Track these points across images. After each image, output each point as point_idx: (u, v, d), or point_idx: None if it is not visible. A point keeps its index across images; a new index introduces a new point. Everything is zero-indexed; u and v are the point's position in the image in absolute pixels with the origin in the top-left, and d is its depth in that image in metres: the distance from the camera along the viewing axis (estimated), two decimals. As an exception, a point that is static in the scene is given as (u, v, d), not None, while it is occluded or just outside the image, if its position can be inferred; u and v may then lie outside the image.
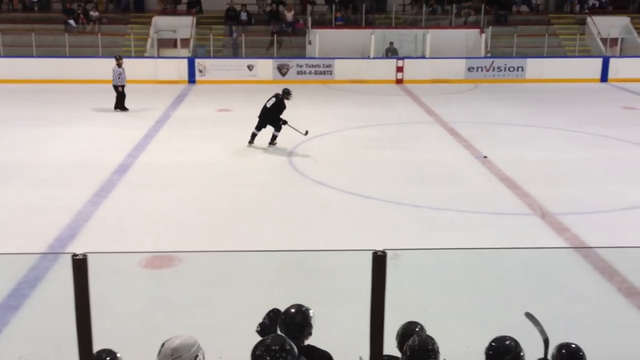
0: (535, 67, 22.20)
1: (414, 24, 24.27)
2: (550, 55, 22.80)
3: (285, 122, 13.16)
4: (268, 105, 13.23)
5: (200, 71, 21.89)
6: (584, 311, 6.48)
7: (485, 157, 12.52)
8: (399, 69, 22.23)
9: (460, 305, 6.44)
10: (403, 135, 14.74)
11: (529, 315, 3.79)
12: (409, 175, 11.45)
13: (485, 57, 22.70)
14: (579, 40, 23.52)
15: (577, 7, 25.09)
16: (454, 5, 24.44)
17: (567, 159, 12.68)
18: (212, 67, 21.92)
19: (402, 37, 23.53)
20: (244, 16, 24.34)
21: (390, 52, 23.27)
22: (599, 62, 22.35)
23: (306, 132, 13.37)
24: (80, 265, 2.44)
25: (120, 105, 17.10)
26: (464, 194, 10.51)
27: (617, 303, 6.67)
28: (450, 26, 24.13)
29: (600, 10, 24.76)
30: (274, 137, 13.34)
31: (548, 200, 9.99)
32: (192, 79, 21.80)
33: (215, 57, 22.65)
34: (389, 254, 2.61)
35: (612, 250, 7.62)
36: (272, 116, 13.16)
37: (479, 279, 6.95)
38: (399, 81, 22.13)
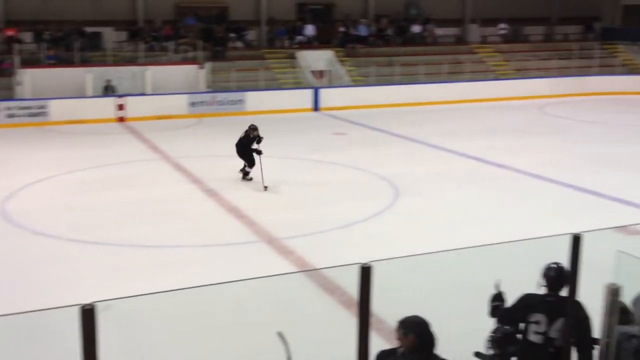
0: (254, 99, 23.17)
1: (132, 61, 23.87)
2: (267, 88, 23.99)
3: (259, 153, 13.25)
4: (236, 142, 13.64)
5: None
6: (314, 327, 6.83)
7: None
8: (120, 107, 21.66)
9: (191, 345, 6.37)
10: (128, 174, 14.34)
11: (279, 335, 3.90)
12: (136, 215, 11.15)
13: (206, 92, 23.12)
14: (291, 73, 25.14)
15: (287, 43, 26.80)
16: (172, 41, 24.59)
17: (289, 184, 13.37)
18: None
19: (120, 74, 22.97)
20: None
21: (109, 90, 22.60)
22: (310, 92, 24.06)
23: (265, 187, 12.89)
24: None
25: None
26: (193, 228, 10.52)
27: (341, 316, 7.14)
28: (169, 62, 24.19)
29: (308, 45, 26.74)
30: (246, 173, 13.59)
31: (273, 226, 10.42)
32: None
33: None
34: (100, 306, 2.47)
35: (333, 267, 8.15)
36: (241, 151, 13.54)
37: (212, 313, 6.96)
38: (121, 119, 21.55)
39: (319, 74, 25.65)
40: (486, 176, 14.17)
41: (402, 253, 4.67)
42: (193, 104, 22.54)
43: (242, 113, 22.67)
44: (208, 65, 23.88)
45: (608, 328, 4.03)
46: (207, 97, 22.83)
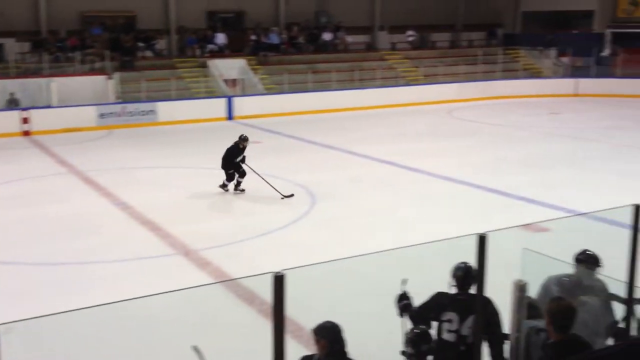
0: (166, 109, 22.78)
1: (36, 73, 23.01)
2: (179, 98, 23.65)
3: (241, 163, 12.79)
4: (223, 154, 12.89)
5: None
6: (233, 338, 6.77)
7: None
8: (25, 120, 20.82)
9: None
10: (36, 191, 13.80)
11: (194, 349, 3.85)
12: (45, 232, 10.74)
13: (115, 103, 22.56)
14: (204, 82, 24.88)
15: (198, 52, 26.52)
16: (78, 52, 23.86)
17: (205, 194, 13.22)
18: None
19: (24, 86, 22.11)
20: None
21: (12, 103, 21.69)
22: (223, 101, 23.88)
23: (287, 196, 12.55)
24: None
25: None
26: (106, 243, 10.23)
27: (260, 325, 7.10)
28: (76, 73, 23.45)
29: (219, 53, 26.55)
30: (235, 182, 12.96)
31: (190, 237, 10.27)
32: None
33: None
34: (1, 329, 2.36)
35: (252, 277, 8.12)
36: (226, 161, 12.82)
37: (127, 330, 6.78)
38: (26, 133, 20.72)
39: (232, 82, 25.51)
40: (400, 180, 14.48)
41: (321, 259, 4.70)
42: (102, 115, 21.93)
43: (154, 124, 22.26)
44: (117, 75, 23.32)
45: (517, 323, 4.18)
46: (116, 108, 22.27)
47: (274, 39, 27.65)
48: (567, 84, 28.93)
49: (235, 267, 9.05)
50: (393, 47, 30.67)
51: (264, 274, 3.06)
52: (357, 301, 7.64)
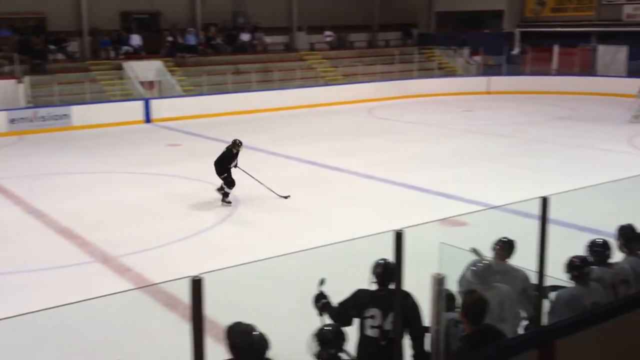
0: (80, 113, 22.10)
1: (-60, 77, 21.93)
2: (94, 101, 22.99)
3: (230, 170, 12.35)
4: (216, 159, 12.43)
5: None
6: (155, 344, 6.66)
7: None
8: None
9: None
10: (-59, 201, 13.13)
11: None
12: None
13: (26, 108, 21.73)
14: (119, 84, 24.30)
15: (113, 53, 25.87)
16: (-16, 55, 22.88)
17: (124, 199, 12.94)
18: None
19: None
20: None
21: None
22: (141, 104, 23.39)
23: (284, 196, 12.46)
24: None
25: None
26: (23, 253, 9.87)
27: (184, 330, 7.01)
28: (-17, 77, 22.46)
29: (135, 55, 25.99)
30: (221, 188, 12.40)
31: (109, 244, 10.04)
32: None
33: None
34: None
35: (174, 282, 8.00)
36: (219, 167, 12.34)
37: (45, 341, 6.57)
38: None
39: (149, 84, 25.01)
40: (322, 179, 14.60)
41: (245, 261, 4.70)
42: (12, 120, 21.09)
43: (67, 128, 21.59)
44: (27, 79, 22.46)
45: (437, 315, 4.31)
46: (28, 113, 21.46)
47: (191, 40, 27.31)
48: (479, 82, 29.88)
49: (157, 273, 8.90)
50: (312, 48, 30.86)
51: (181, 278, 3.05)
52: (280, 302, 7.67)
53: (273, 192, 12.74)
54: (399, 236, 3.46)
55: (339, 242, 3.92)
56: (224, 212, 11.98)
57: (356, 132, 20.94)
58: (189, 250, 10.03)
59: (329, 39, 31.32)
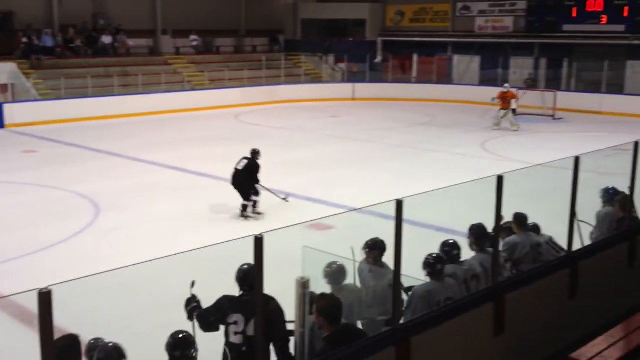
0: None
1: None
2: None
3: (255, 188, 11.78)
4: (239, 168, 11.76)
5: None
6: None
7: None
8: None
9: None
10: None
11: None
12: None
13: None
14: (-32, 87, 22.71)
15: (-40, 54, 24.15)
16: None
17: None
18: None
19: None
20: None
21: None
22: (-7, 108, 22.01)
23: (284, 198, 12.29)
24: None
25: None
26: None
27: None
28: None
29: (-15, 56, 24.40)
30: (245, 207, 11.79)
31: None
32: None
33: None
34: None
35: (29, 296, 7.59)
36: (247, 180, 11.76)
37: None
38: None
39: (2, 88, 23.53)
40: (189, 185, 14.39)
41: (107, 270, 4.50)
42: None
43: None
44: None
45: (301, 318, 4.39)
46: None
47: (48, 41, 26.01)
48: (345, 89, 30.69)
49: (11, 286, 8.38)
50: (177, 52, 30.35)
51: (29, 291, 2.93)
52: (139, 312, 7.49)
53: (275, 194, 12.52)
54: (259, 241, 3.49)
55: (203, 247, 3.89)
56: (84, 220, 11.50)
57: (224, 137, 20.81)
58: (46, 261, 9.54)
59: (194, 43, 30.94)
